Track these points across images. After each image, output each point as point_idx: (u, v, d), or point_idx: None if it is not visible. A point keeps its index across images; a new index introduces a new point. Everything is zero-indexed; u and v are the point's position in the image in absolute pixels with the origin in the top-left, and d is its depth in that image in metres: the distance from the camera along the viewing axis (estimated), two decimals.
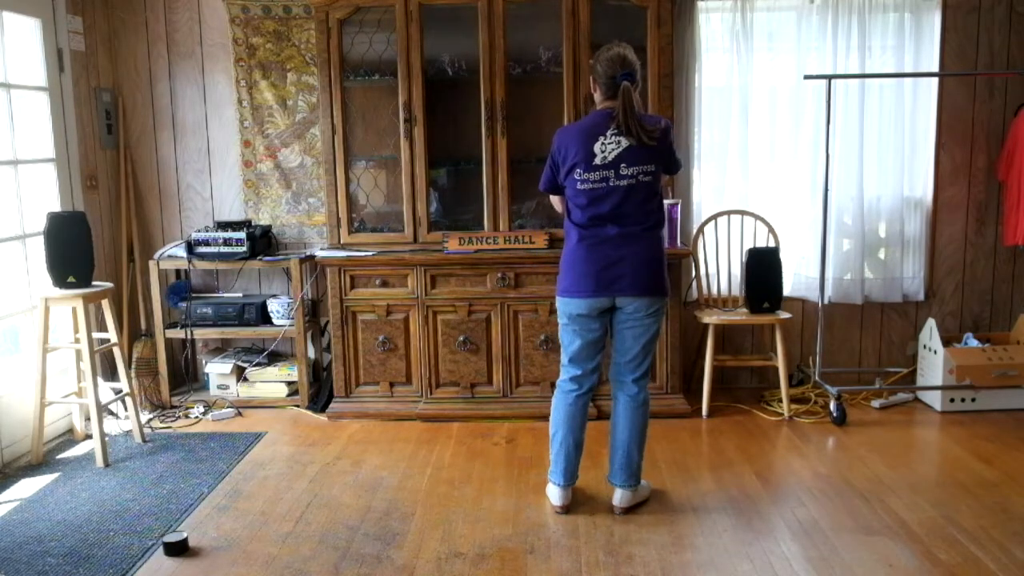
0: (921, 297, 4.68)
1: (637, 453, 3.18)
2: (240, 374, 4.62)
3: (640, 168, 3.01)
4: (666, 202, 4.15)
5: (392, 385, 4.33)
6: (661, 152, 3.05)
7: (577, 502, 3.26)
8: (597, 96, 3.12)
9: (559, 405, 3.22)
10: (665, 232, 3.32)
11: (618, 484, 3.19)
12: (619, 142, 3.01)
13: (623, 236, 3.04)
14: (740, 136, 4.53)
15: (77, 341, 3.86)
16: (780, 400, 4.31)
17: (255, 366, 4.60)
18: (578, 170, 3.04)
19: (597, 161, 3.02)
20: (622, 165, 3.01)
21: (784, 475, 3.54)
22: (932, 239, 4.65)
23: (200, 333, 4.57)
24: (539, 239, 4.21)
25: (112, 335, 3.98)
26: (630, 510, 3.20)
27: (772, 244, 4.44)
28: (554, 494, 3.22)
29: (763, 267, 4.27)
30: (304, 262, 4.52)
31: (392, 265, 4.23)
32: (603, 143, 3.02)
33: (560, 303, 3.16)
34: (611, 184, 3.02)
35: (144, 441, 4.04)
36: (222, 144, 4.72)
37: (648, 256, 3.06)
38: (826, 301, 4.48)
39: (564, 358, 3.22)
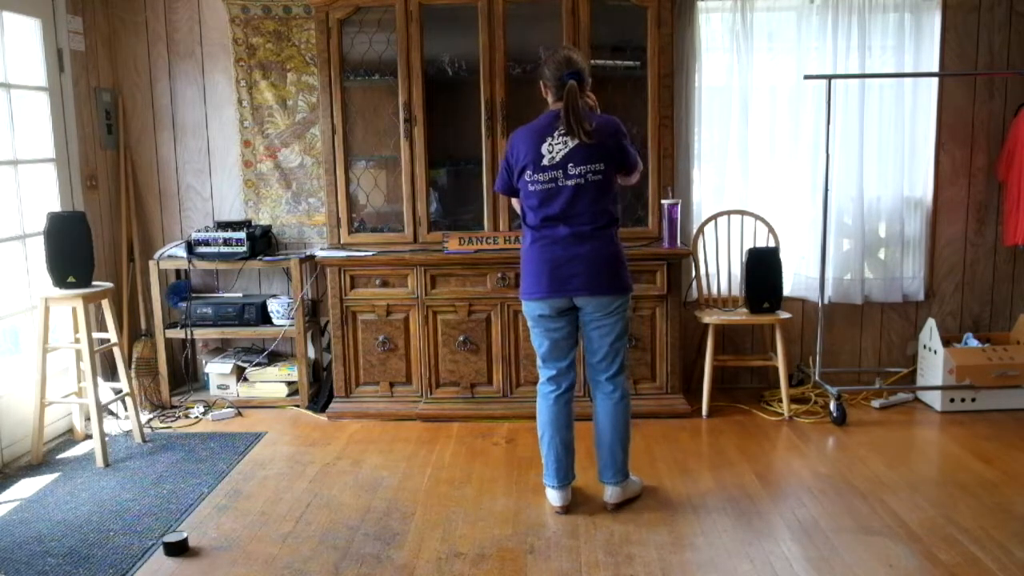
0: (921, 297, 4.68)
1: (621, 450, 3.20)
2: (240, 374, 4.63)
3: (588, 167, 3.03)
4: (666, 202, 4.16)
5: (392, 385, 4.33)
6: (609, 150, 3.05)
7: (576, 502, 3.26)
8: (549, 98, 3.15)
9: (542, 408, 3.24)
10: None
11: (606, 481, 3.22)
12: (566, 142, 3.03)
13: (574, 236, 3.06)
14: (740, 136, 4.53)
15: (77, 341, 3.86)
16: (780, 400, 4.31)
17: (255, 366, 4.60)
18: (528, 171, 3.08)
19: (545, 162, 3.04)
20: (569, 165, 3.03)
21: (784, 475, 3.54)
22: (932, 239, 4.65)
23: (200, 333, 4.57)
24: None
25: (112, 335, 3.98)
26: (622, 506, 3.22)
27: (772, 244, 4.44)
28: (552, 496, 3.23)
29: (763, 267, 4.27)
30: (304, 262, 4.52)
31: (392, 265, 4.23)
32: (550, 143, 3.05)
33: (523, 305, 3.21)
34: (559, 184, 3.04)
35: (144, 441, 4.04)
36: (222, 144, 4.72)
37: (601, 255, 3.07)
38: (826, 301, 4.48)
39: (538, 360, 3.26)
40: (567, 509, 3.20)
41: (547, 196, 3.06)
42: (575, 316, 3.16)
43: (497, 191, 3.31)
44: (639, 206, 4.34)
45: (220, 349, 4.87)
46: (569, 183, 3.03)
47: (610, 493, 3.21)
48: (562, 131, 3.03)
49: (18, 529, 3.13)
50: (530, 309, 3.16)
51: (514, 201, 3.27)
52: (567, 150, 3.03)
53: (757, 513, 3.17)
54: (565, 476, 3.22)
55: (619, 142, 3.09)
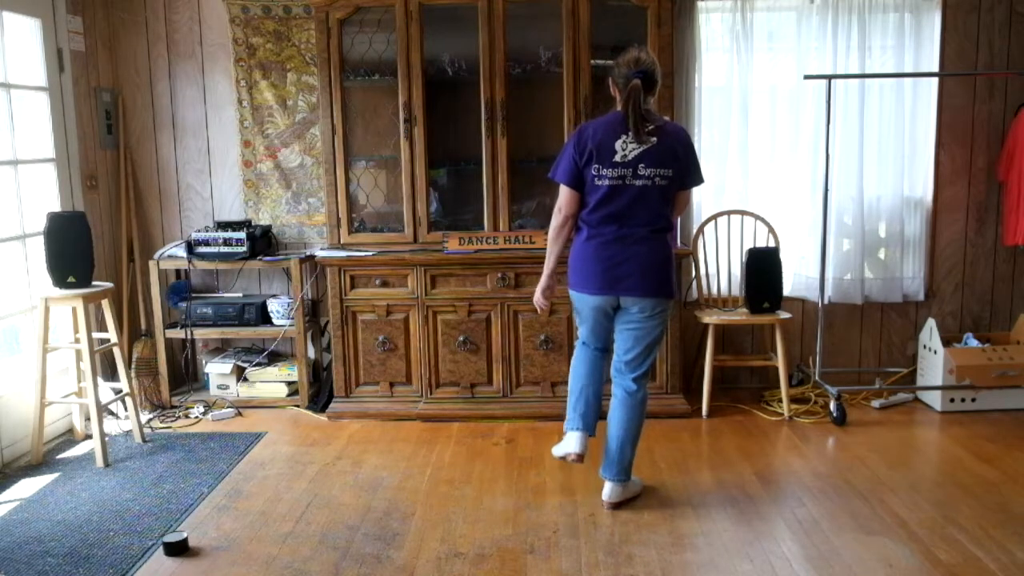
0: (921, 297, 4.68)
1: (630, 449, 3.21)
2: (240, 374, 4.62)
3: (658, 171, 3.05)
4: None
5: (392, 385, 4.33)
6: (679, 157, 3.07)
7: (577, 502, 3.26)
8: (618, 98, 3.13)
9: (581, 358, 3.30)
10: (673, 235, 3.32)
11: (608, 478, 3.23)
12: (639, 142, 3.04)
13: (631, 237, 3.08)
14: (740, 136, 4.53)
15: (77, 341, 3.86)
16: (780, 400, 4.31)
17: (255, 366, 4.60)
18: (596, 164, 3.07)
19: (617, 158, 3.05)
20: (641, 165, 3.04)
21: (784, 475, 3.54)
22: (932, 239, 4.65)
23: (200, 333, 4.57)
24: (539, 239, 4.21)
25: (112, 335, 3.98)
26: (621, 505, 3.22)
27: (772, 244, 4.44)
28: (572, 439, 3.20)
29: (763, 267, 4.27)
30: (304, 262, 4.52)
31: (392, 265, 4.23)
32: (625, 141, 3.05)
33: (570, 293, 3.26)
34: (627, 182, 3.05)
35: (144, 441, 4.04)
36: (222, 144, 4.72)
37: (655, 258, 3.09)
38: (826, 301, 4.48)
39: (580, 332, 3.34)
40: (582, 458, 3.20)
41: (612, 193, 3.06)
42: (616, 311, 3.19)
43: (557, 179, 3.16)
44: None
45: (220, 349, 4.87)
46: (637, 183, 3.04)
47: (609, 490, 3.22)
48: (635, 136, 3.04)
49: (18, 529, 3.13)
50: (576, 299, 3.23)
51: (563, 194, 3.15)
52: (640, 150, 3.04)
53: (757, 513, 3.17)
54: (589, 424, 3.23)
55: (688, 151, 3.11)
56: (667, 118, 3.23)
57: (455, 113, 4.41)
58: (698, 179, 3.18)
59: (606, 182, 3.06)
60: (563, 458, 3.29)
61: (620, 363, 3.22)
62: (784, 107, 4.57)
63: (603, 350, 3.30)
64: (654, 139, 3.04)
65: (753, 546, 2.92)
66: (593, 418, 3.25)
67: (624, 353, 3.20)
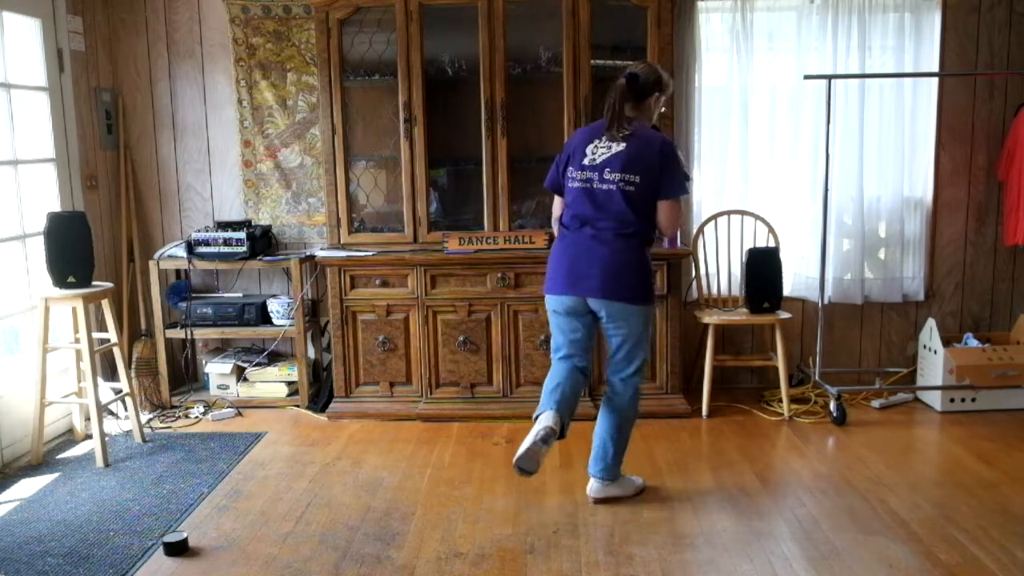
0: (921, 297, 4.68)
1: (612, 446, 3.21)
2: (240, 374, 4.62)
3: (623, 176, 3.04)
4: None
5: (392, 385, 4.33)
6: (649, 165, 3.03)
7: (577, 502, 3.26)
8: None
9: (554, 368, 3.19)
10: (660, 243, 3.30)
11: (591, 474, 3.25)
12: (610, 147, 3.07)
13: (597, 239, 3.08)
14: (740, 136, 4.53)
15: (77, 341, 3.86)
16: (780, 400, 4.31)
17: (255, 366, 4.60)
18: (571, 167, 3.15)
19: (586, 161, 3.10)
20: (606, 169, 3.06)
21: (784, 475, 3.54)
22: (932, 239, 4.65)
23: (200, 333, 4.57)
24: (539, 239, 4.21)
25: (112, 335, 3.98)
26: (611, 503, 3.23)
27: (772, 244, 4.44)
28: (545, 416, 3.00)
29: (763, 267, 4.27)
30: (304, 262, 4.52)
31: (392, 265, 4.23)
32: (596, 145, 3.10)
33: (545, 299, 3.25)
34: (593, 186, 3.08)
35: (144, 441, 4.04)
36: (222, 144, 4.72)
37: (618, 260, 3.06)
38: (826, 301, 4.48)
39: (552, 353, 3.27)
40: (554, 432, 2.94)
41: (580, 195, 3.10)
42: (592, 320, 3.16)
43: (545, 186, 3.34)
44: None
45: (220, 349, 4.87)
46: (603, 187, 3.06)
47: (592, 486, 3.25)
48: (609, 136, 3.07)
49: (18, 529, 3.13)
50: (547, 303, 3.22)
51: (555, 204, 3.31)
52: (608, 155, 3.06)
53: (757, 513, 3.17)
54: (563, 408, 3.04)
55: (663, 160, 3.04)
56: (653, 129, 3.17)
57: (455, 113, 4.41)
58: (676, 190, 3.07)
59: (576, 184, 3.11)
60: (532, 444, 2.90)
61: (609, 363, 3.25)
62: (784, 107, 4.57)
63: (580, 368, 3.18)
64: (623, 144, 3.04)
65: (753, 546, 2.92)
66: (568, 407, 3.08)
67: (610, 355, 3.23)
